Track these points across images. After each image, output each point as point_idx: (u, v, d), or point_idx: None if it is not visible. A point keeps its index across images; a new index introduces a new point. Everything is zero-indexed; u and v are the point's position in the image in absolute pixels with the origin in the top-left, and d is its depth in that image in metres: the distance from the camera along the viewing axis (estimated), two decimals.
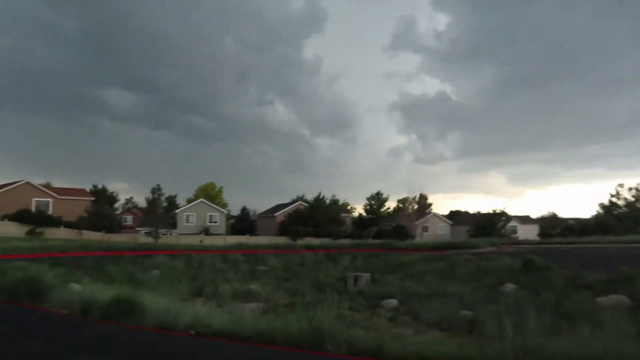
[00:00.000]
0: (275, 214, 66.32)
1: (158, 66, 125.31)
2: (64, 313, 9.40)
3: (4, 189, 51.39)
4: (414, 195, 79.47)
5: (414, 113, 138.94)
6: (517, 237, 57.84)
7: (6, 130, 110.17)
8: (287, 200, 71.97)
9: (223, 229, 64.09)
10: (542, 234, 60.07)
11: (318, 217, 61.00)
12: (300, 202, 68.53)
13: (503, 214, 62.54)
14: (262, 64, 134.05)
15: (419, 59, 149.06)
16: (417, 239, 58.88)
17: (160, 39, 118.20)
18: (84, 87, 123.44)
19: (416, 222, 67.28)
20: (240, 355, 6.59)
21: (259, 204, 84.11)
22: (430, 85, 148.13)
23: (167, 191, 54.92)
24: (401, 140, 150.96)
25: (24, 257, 21.09)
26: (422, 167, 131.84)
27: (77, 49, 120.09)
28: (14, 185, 51.82)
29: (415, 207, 77.39)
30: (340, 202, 78.44)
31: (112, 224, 51.94)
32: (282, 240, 53.76)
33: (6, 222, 43.35)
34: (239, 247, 38.62)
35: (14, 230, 41.90)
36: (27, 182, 52.49)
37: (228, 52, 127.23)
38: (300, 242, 50.51)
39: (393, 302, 11.23)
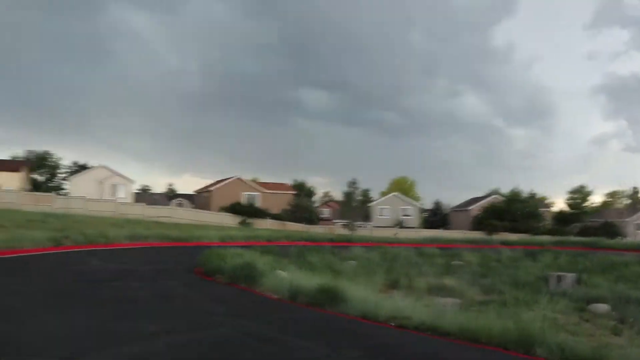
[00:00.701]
0: (469, 208, 64.38)
1: (348, 64, 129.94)
2: (275, 297, 10.25)
3: (220, 185, 58.20)
4: (626, 188, 70.69)
5: (622, 96, 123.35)
6: None
7: (222, 133, 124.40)
8: (481, 194, 69.43)
9: (416, 223, 64.16)
10: None
11: (515, 211, 57.75)
12: (495, 195, 65.58)
13: None
14: (451, 55, 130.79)
15: (627, 34, 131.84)
16: (630, 238, 52.22)
17: (349, 37, 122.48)
18: (283, 89, 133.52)
19: (628, 219, 59.74)
20: (445, 351, 6.49)
21: (451, 198, 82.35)
22: None
23: (361, 185, 56.71)
24: (607, 127, 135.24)
25: (239, 244, 23.57)
26: (633, 156, 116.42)
27: (276, 55, 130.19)
28: (228, 180, 58.38)
29: (628, 202, 68.79)
30: (538, 196, 73.02)
31: (311, 216, 55.30)
32: (476, 234, 51.97)
33: (222, 214, 48.86)
34: (433, 240, 38.30)
35: (229, 220, 47.00)
36: (238, 178, 58.70)
37: (415, 45, 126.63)
38: (495, 237, 48.29)
39: (603, 307, 10.10)
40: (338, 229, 50.76)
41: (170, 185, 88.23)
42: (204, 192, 62.75)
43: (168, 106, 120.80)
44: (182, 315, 8.03)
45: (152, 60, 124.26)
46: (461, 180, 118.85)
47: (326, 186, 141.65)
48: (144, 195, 66.20)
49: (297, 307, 9.28)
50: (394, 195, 67.52)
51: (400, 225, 58.20)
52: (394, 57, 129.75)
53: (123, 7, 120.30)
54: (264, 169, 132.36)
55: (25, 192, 42.81)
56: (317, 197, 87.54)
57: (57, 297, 9.22)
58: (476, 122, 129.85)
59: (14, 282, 10.81)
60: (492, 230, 53.43)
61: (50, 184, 69.05)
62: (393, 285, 12.83)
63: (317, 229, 49.93)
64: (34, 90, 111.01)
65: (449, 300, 10.14)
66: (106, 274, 13.04)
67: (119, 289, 10.52)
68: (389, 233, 49.27)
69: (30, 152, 70.40)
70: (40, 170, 69.94)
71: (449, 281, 13.26)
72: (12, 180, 47.62)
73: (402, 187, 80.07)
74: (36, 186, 59.56)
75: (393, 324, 7.79)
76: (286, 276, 11.31)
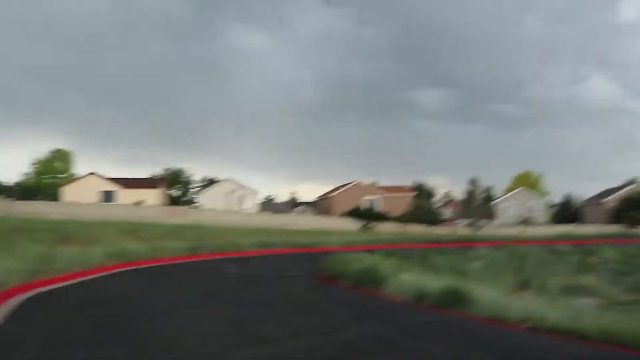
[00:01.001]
0: (604, 200, 59.36)
1: (462, 60, 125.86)
2: (399, 300, 10.23)
3: (340, 190, 59.22)
4: None
5: None
6: None
7: (340, 139, 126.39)
8: (616, 184, 63.75)
9: (544, 219, 60.48)
10: None
11: None
12: (633, 185, 59.91)
13: None
14: (572, 37, 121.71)
15: None
16: None
17: (459, 33, 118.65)
18: (398, 92, 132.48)
19: None
20: (586, 357, 6.09)
21: (582, 190, 76.51)
22: None
23: (483, 183, 54.63)
24: None
25: (361, 248, 23.78)
26: None
27: (387, 58, 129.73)
28: (348, 186, 59.24)
29: None
30: None
31: (432, 218, 54.29)
32: (614, 228, 47.81)
33: (343, 219, 49.60)
34: (565, 237, 35.88)
35: (350, 225, 47.57)
36: (357, 183, 59.33)
37: (531, 31, 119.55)
38: (638, 230, 44.09)
39: None
40: (461, 229, 49.31)
41: (292, 193, 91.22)
42: (324, 198, 64.11)
43: (287, 118, 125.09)
44: (309, 318, 8.30)
45: (270, 75, 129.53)
46: (592, 171, 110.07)
47: (446, 186, 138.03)
48: (269, 205, 69.16)
49: (423, 310, 9.20)
50: (520, 190, 64.22)
51: (527, 222, 55.15)
52: (508, 47, 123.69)
53: (241, 29, 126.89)
54: (382, 173, 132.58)
55: (163, 207, 46.66)
56: (438, 197, 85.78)
57: (198, 301, 9.98)
58: (605, 107, 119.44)
59: (160, 287, 11.83)
60: (632, 223, 48.86)
61: (184, 198, 74.79)
62: (523, 285, 12.22)
63: (439, 230, 48.90)
64: (168, 113, 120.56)
65: (587, 301, 9.45)
66: (239, 280, 13.86)
67: (251, 293, 11.15)
68: (515, 231, 46.94)
69: (166, 170, 76.82)
70: (175, 186, 75.98)
71: (585, 280, 12.35)
72: (152, 197, 52.25)
73: (527, 182, 75.81)
74: (172, 201, 64.76)
75: (525, 327, 7.44)
76: (410, 279, 11.23)
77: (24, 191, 58.43)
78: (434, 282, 10.26)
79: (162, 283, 12.72)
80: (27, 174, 67.85)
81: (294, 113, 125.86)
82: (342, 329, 7.41)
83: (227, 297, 10.57)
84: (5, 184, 65.03)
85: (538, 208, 61.73)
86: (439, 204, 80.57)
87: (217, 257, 21.22)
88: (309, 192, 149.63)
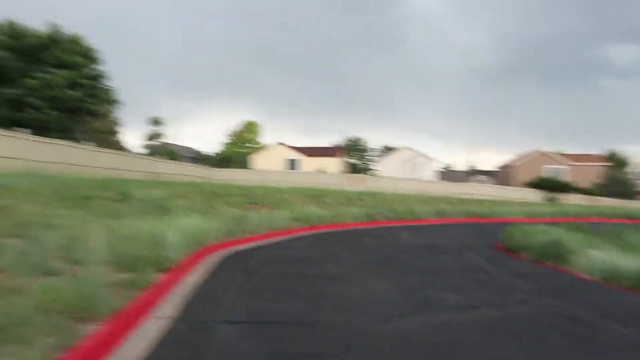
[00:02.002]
0: None
1: None
2: (586, 278, 9.55)
3: (522, 159, 55.79)
4: None
5: None
6: None
7: (521, 105, 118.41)
8: None
9: None
10: None
11: None
12: None
13: None
14: None
15: None
16: None
17: None
18: (583, 49, 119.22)
19: None
20: None
21: None
22: None
23: None
24: None
25: (544, 221, 22.38)
26: None
27: (571, 13, 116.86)
28: (529, 154, 55.60)
29: None
30: None
31: (627, 190, 48.73)
32: None
33: (525, 189, 46.83)
34: None
35: (532, 196, 44.84)
36: (540, 151, 55.36)
37: None
38: None
39: None
40: None
41: (470, 162, 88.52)
42: (504, 167, 61.07)
43: (464, 83, 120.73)
44: (486, 289, 8.19)
45: (446, 40, 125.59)
46: None
47: None
48: (446, 173, 68.01)
49: (614, 290, 8.49)
50: None
51: None
52: None
53: None
54: (568, 140, 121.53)
55: (343, 174, 48.61)
56: (634, 167, 76.10)
57: (376, 265, 10.42)
58: None
59: (337, 251, 12.55)
60: None
61: (362, 166, 77.00)
62: None
63: (636, 204, 43.64)
64: (348, 85, 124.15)
65: None
66: (415, 247, 14.06)
67: (427, 261, 11.29)
68: None
69: (346, 139, 79.80)
70: (354, 154, 78.55)
71: None
72: (333, 164, 54.78)
73: None
74: (351, 168, 67.13)
75: None
76: (600, 256, 10.37)
77: (221, 160, 65.21)
78: (628, 262, 9.35)
79: (339, 247, 13.43)
80: (223, 144, 75.43)
81: (472, 78, 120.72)
82: (524, 303, 7.19)
83: (402, 263, 10.85)
84: (206, 154, 73.35)
85: None
86: (634, 175, 71.67)
87: (394, 224, 21.68)
88: (488, 160, 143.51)
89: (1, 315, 4.03)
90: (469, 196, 41.51)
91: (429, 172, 57.49)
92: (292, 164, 56.20)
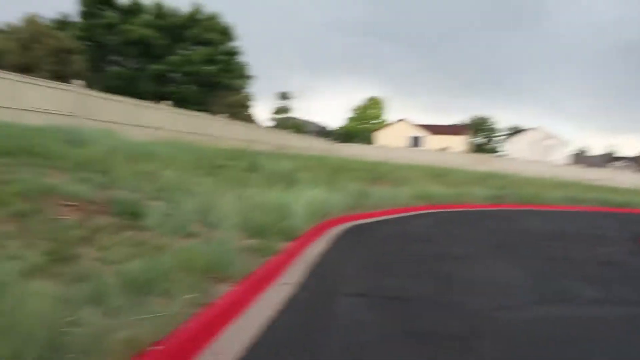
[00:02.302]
0: None
1: None
2: None
3: None
4: None
5: None
6: None
7: None
8: None
9: None
10: None
11: None
12: None
13: None
14: None
15: None
16: None
17: None
18: None
19: None
20: None
21: None
22: None
23: None
24: None
25: None
26: None
27: None
28: None
29: None
30: None
31: None
32: None
33: None
34: None
35: None
36: None
37: None
38: None
39: None
40: None
41: (609, 146, 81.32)
42: None
43: (605, 61, 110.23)
44: (627, 284, 7.52)
45: (585, 15, 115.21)
46: None
47: None
48: (580, 157, 63.12)
49: None
50: None
51: None
52: None
53: None
54: None
55: (467, 154, 46.99)
56: None
57: (502, 248, 9.99)
58: None
59: (460, 231, 12.21)
60: None
61: (488, 146, 73.85)
62: None
63: None
64: (475, 62, 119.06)
65: None
66: (544, 233, 13.26)
67: (555, 249, 10.58)
68: None
69: (472, 117, 76.85)
70: (480, 134, 75.50)
71: None
72: (457, 143, 53.17)
73: None
74: (476, 148, 64.67)
75: None
76: None
77: (344, 135, 65.96)
78: None
79: (463, 227, 13.06)
80: (347, 120, 76.15)
81: (615, 55, 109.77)
82: None
83: (529, 250, 10.29)
84: (329, 129, 74.59)
85: None
86: None
87: (520, 207, 20.59)
88: (629, 145, 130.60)
89: (148, 270, 4.44)
90: (606, 183, 38.19)
91: (560, 156, 53.69)
92: (415, 141, 55.39)
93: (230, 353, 3.73)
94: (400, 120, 60.21)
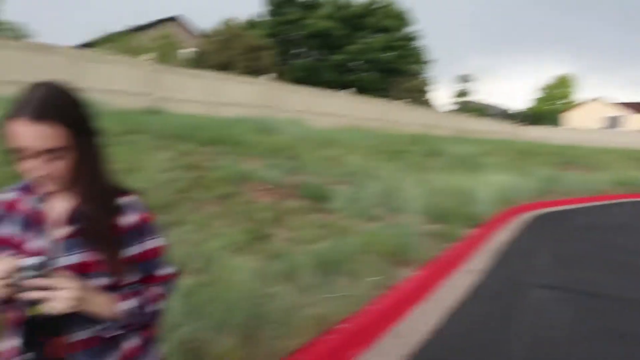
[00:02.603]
0: None
1: None
2: None
3: None
4: None
5: None
6: None
7: None
8: None
9: None
10: None
11: None
12: None
13: None
14: None
15: None
16: None
17: None
18: None
19: None
20: None
21: None
22: None
23: None
24: None
25: None
26: None
27: None
28: None
29: None
30: None
31: None
32: None
33: None
34: None
35: None
36: None
37: None
38: None
39: None
40: None
41: None
42: None
43: None
44: None
45: None
46: None
47: None
48: None
49: None
50: None
51: None
52: None
53: None
54: None
55: None
56: None
57: None
58: None
59: None
60: None
61: None
62: None
63: None
64: None
65: None
66: None
67: None
68: None
69: None
70: None
71: None
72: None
73: None
74: None
75: None
76: None
77: (529, 117, 61.53)
78: None
79: None
80: (532, 101, 70.77)
81: None
82: None
83: None
84: (512, 111, 70.13)
85: None
86: None
87: None
88: None
89: (335, 251, 4.61)
90: None
91: None
92: (613, 122, 49.42)
93: (413, 336, 3.71)
94: (595, 99, 54.17)
